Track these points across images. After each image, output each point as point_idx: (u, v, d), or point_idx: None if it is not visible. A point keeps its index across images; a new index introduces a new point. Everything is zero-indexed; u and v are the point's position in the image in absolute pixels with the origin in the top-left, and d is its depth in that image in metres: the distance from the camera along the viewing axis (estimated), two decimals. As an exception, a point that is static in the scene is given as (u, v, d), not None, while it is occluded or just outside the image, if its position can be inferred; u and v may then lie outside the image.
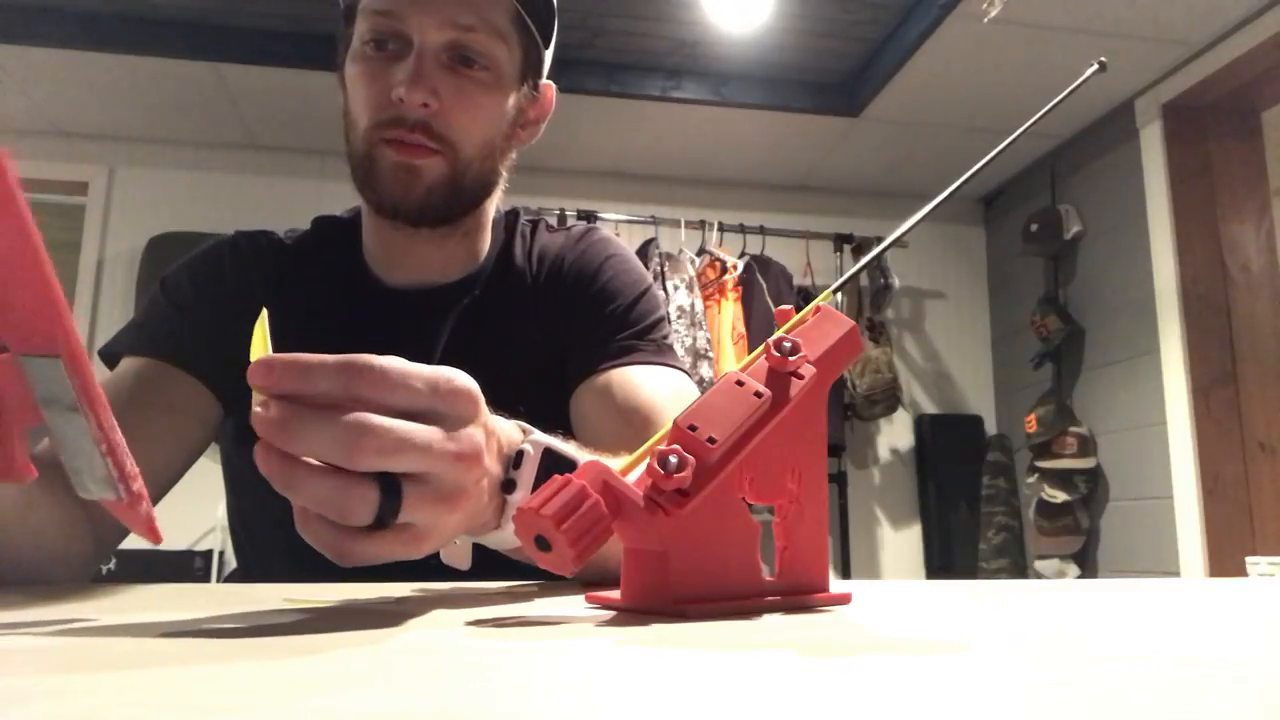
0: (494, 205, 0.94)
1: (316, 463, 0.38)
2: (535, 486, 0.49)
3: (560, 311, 0.90)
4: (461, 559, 0.53)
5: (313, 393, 0.38)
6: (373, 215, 0.89)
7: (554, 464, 0.50)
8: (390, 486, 0.39)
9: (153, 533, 0.38)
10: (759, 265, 3.48)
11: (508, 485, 0.49)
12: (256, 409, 0.38)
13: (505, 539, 0.52)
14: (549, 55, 0.91)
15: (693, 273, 3.36)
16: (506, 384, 0.88)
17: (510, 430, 0.51)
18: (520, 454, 0.50)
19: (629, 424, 0.80)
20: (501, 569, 0.59)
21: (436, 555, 0.54)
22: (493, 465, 0.47)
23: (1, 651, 0.30)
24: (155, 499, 0.83)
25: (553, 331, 0.90)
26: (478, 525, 0.50)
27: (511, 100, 0.86)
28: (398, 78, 0.79)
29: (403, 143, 0.80)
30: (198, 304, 0.88)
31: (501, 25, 0.83)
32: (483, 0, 0.81)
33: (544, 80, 0.92)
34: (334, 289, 0.90)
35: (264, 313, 0.40)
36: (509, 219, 0.97)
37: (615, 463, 0.43)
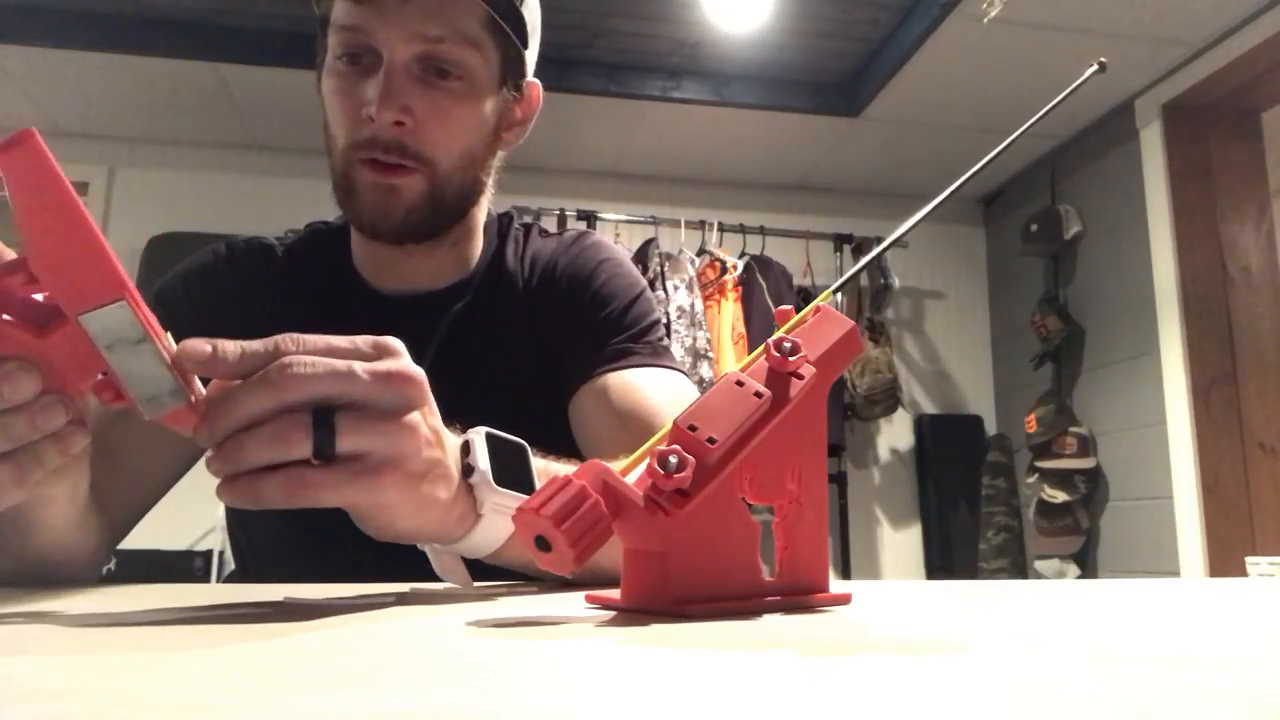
0: (483, 210, 0.93)
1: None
2: (492, 464, 0.52)
3: (554, 317, 0.89)
4: (457, 573, 0.55)
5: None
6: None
7: (501, 445, 0.54)
8: (323, 419, 0.42)
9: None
10: (759, 265, 3.48)
11: (468, 471, 0.52)
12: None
13: (486, 538, 0.53)
14: (532, 55, 0.89)
15: (692, 273, 3.36)
16: (499, 389, 0.89)
17: (450, 431, 0.53)
18: (467, 443, 0.53)
19: (626, 427, 0.80)
20: (501, 569, 0.59)
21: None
22: (441, 452, 0.49)
23: (1, 651, 0.30)
24: (150, 505, 0.83)
25: (546, 336, 0.89)
26: (454, 519, 0.51)
27: (490, 106, 0.85)
28: (368, 95, 0.78)
29: (379, 163, 0.80)
30: (193, 312, 0.87)
31: (472, 32, 0.81)
32: (451, 9, 0.79)
33: (529, 80, 0.90)
34: (326, 296, 0.90)
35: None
36: (502, 223, 0.96)
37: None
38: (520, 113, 0.91)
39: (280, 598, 0.50)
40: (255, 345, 0.42)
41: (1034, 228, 3.46)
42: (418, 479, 0.46)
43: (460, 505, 0.51)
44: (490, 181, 0.90)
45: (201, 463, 0.87)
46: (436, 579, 0.58)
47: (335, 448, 0.42)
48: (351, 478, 0.43)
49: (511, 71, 0.87)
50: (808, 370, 0.44)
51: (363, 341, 0.45)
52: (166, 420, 0.41)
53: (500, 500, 0.52)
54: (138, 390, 0.40)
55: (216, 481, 0.42)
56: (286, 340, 0.43)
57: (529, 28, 0.87)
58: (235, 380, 0.42)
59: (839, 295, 3.31)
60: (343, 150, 0.81)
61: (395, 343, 0.46)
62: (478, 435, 0.53)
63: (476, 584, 0.58)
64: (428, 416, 0.47)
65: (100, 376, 0.41)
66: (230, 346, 0.42)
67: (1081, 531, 3.26)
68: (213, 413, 0.42)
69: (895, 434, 3.83)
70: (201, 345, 0.41)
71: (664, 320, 2.51)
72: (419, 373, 0.46)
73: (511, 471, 0.53)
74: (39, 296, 0.39)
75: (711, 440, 0.40)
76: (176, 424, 0.42)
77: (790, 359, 0.43)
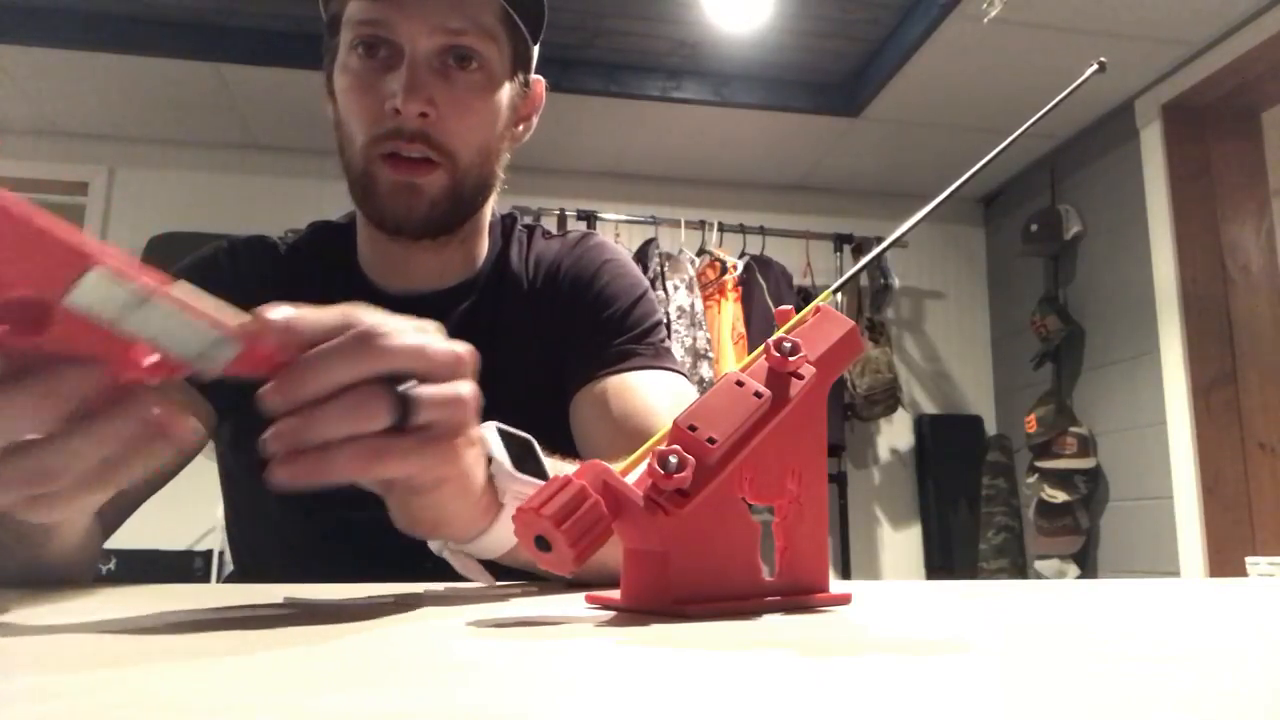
0: (490, 209, 0.93)
1: None
2: (509, 454, 0.53)
3: (557, 317, 0.90)
4: (478, 573, 0.55)
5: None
6: (369, 226, 0.89)
7: (510, 439, 0.54)
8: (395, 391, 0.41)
9: (269, 363, 0.39)
10: (759, 265, 3.48)
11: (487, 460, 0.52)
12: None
13: (505, 531, 0.53)
14: (536, 50, 0.90)
15: (692, 273, 3.36)
16: (503, 389, 0.88)
17: None
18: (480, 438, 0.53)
19: (621, 431, 0.80)
20: (502, 569, 0.59)
21: (444, 562, 0.55)
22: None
23: (0, 652, 0.30)
24: (138, 504, 0.83)
25: (549, 337, 0.89)
26: (481, 508, 0.51)
27: (505, 99, 0.85)
28: (392, 88, 0.78)
29: (400, 157, 0.80)
30: None
31: (490, 25, 0.82)
32: (471, 2, 0.80)
33: (533, 75, 0.91)
34: (330, 296, 0.89)
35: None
36: (506, 223, 0.96)
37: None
38: (525, 109, 0.91)
39: (280, 598, 0.50)
40: (329, 319, 0.41)
41: (1034, 228, 3.46)
42: (472, 452, 0.47)
43: (485, 495, 0.52)
44: (500, 178, 0.91)
45: (200, 464, 0.87)
46: (435, 580, 0.58)
47: (411, 420, 0.41)
48: (424, 444, 0.42)
49: (521, 66, 0.87)
50: (808, 370, 0.44)
51: (408, 322, 0.44)
52: (230, 373, 0.37)
53: (520, 488, 0.52)
54: (179, 351, 0.35)
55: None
56: (354, 313, 0.42)
57: (542, 23, 0.87)
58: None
59: (839, 295, 3.31)
60: (363, 146, 0.81)
61: (437, 325, 0.46)
62: (488, 428, 0.54)
63: (478, 584, 0.58)
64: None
65: (155, 358, 0.35)
66: (308, 321, 0.40)
67: (1081, 531, 3.26)
68: (288, 380, 0.39)
69: (895, 434, 3.83)
70: (279, 317, 0.39)
71: (665, 321, 2.51)
72: (472, 350, 0.46)
73: (525, 462, 0.54)
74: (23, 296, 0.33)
75: (711, 440, 0.40)
76: (244, 372, 0.38)
77: (790, 359, 0.43)
